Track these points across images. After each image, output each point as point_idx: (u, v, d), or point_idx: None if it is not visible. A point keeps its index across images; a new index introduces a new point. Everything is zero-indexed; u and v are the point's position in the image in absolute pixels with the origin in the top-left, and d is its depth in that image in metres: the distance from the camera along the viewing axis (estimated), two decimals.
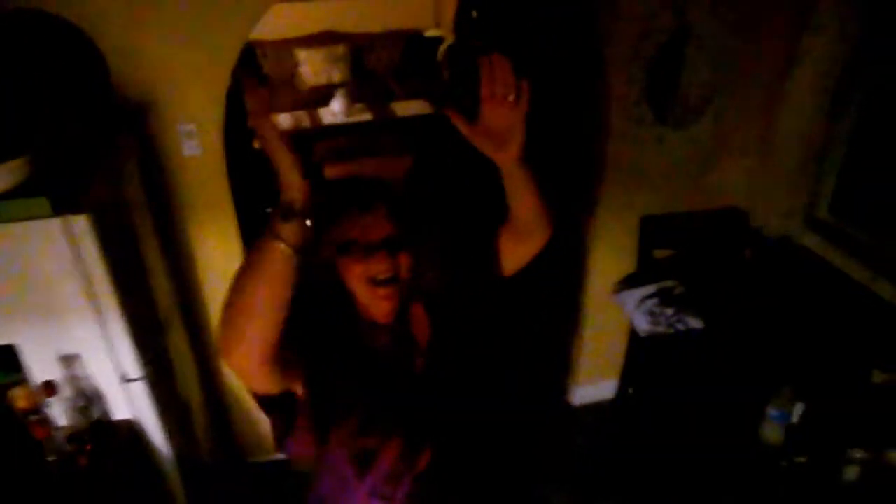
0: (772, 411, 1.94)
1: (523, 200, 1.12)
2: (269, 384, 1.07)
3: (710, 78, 2.56)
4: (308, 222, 0.91)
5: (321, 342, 1.16)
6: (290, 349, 1.04)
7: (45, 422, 1.75)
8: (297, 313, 0.97)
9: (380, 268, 1.13)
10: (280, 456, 2.86)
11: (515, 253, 1.24)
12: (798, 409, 1.94)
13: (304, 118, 5.06)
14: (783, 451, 1.93)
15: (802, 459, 1.89)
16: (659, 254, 2.89)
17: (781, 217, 2.78)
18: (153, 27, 2.03)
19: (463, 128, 1.00)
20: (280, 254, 0.90)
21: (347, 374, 1.17)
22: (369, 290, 1.15)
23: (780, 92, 2.64)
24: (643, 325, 2.67)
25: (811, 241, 2.71)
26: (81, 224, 1.59)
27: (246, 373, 1.03)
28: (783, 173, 2.73)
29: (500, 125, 1.00)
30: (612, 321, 2.99)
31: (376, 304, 1.17)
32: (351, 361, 1.18)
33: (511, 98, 0.98)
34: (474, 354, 1.28)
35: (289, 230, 0.90)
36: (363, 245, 1.13)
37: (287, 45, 5.47)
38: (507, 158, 1.03)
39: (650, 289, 2.75)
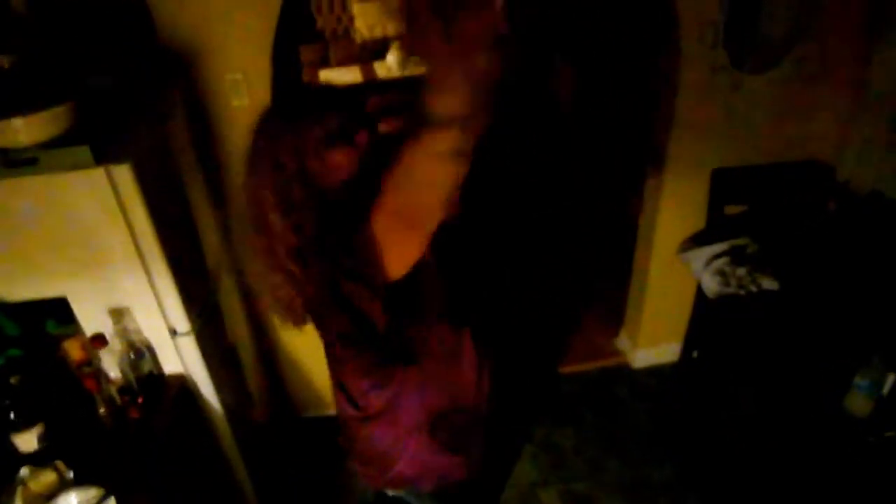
0: (860, 382, 1.77)
1: None
2: None
3: (794, 15, 2.31)
4: None
5: None
6: None
7: (98, 374, 1.75)
8: None
9: None
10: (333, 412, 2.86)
11: None
12: (889, 381, 1.77)
13: (358, 72, 4.96)
14: (871, 425, 1.77)
15: (892, 434, 1.73)
16: (731, 210, 2.69)
17: (872, 169, 2.53)
18: None
19: None
20: None
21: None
22: None
23: (876, 28, 2.37)
24: (712, 285, 2.50)
25: None
26: (124, 173, 1.55)
27: None
28: (877, 119, 2.47)
29: None
30: (677, 281, 2.83)
31: None
32: None
33: None
34: None
35: None
36: None
37: None
38: None
39: (721, 247, 2.57)
